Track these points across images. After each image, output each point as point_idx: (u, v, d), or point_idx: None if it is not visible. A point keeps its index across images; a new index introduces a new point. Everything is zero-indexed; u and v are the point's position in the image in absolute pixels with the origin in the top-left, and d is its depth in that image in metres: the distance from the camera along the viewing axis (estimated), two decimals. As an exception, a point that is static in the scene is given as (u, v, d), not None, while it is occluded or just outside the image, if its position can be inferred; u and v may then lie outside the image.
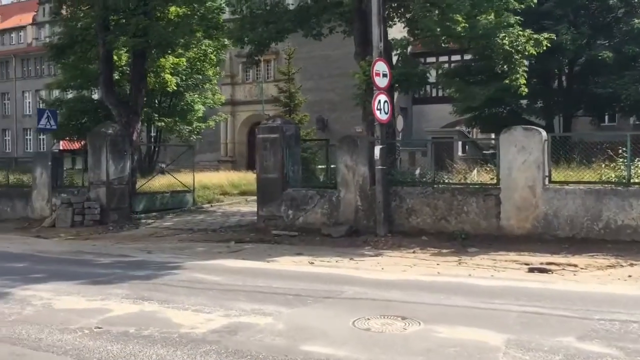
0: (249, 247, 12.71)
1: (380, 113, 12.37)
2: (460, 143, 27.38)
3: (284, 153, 14.17)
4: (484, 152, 24.62)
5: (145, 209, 18.21)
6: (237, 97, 46.04)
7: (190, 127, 30.44)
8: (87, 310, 7.38)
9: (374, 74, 12.37)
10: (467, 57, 36.55)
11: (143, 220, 17.33)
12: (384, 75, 12.58)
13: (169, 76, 22.60)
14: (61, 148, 35.81)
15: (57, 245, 13.91)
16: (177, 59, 22.90)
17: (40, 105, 36.43)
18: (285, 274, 9.64)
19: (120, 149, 17.24)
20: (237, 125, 45.84)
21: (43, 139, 62.62)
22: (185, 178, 20.38)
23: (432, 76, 40.13)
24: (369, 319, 6.52)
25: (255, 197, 22.81)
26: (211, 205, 20.62)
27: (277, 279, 9.04)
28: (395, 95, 44.87)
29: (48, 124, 17.44)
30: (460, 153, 26.83)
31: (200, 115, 29.27)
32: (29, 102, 64.65)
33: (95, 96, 30.38)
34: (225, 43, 24.94)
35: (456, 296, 7.59)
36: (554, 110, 27.78)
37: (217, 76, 30.30)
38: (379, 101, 12.37)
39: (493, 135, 27.10)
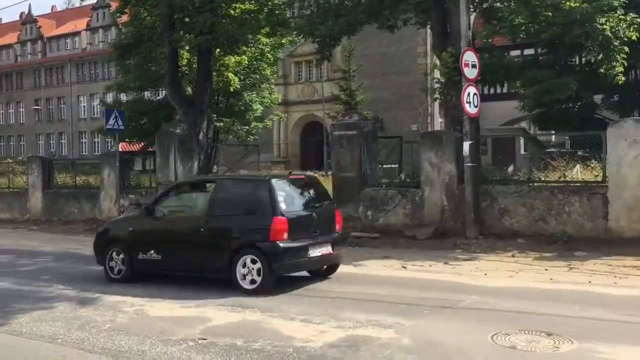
0: (329, 250, 12.05)
1: (470, 106, 11.53)
2: (522, 140, 26.19)
3: (361, 150, 13.46)
4: (547, 149, 23.39)
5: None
6: (290, 97, 45.60)
7: (247, 127, 30.03)
8: (185, 319, 6.84)
9: (463, 65, 11.53)
10: (528, 51, 35.29)
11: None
12: (473, 66, 11.73)
13: (232, 75, 22.22)
14: (119, 150, 36.08)
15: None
16: (239, 58, 22.48)
17: (100, 107, 36.74)
18: (382, 279, 8.92)
19: (188, 148, 16.86)
20: (290, 126, 45.43)
21: (97, 142, 63.96)
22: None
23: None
24: (507, 334, 5.73)
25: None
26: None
27: (377, 286, 8.34)
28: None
29: (116, 124, 17.22)
30: (522, 151, 25.65)
31: (259, 115, 28.82)
32: (84, 106, 66.00)
33: (154, 98, 30.33)
34: (282, 42, 24.43)
35: (593, 307, 6.72)
36: (631, 105, 26.17)
37: (275, 75, 29.82)
38: (469, 93, 11.53)
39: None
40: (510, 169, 12.20)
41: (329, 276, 9.03)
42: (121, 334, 6.31)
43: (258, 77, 28.64)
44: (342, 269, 9.93)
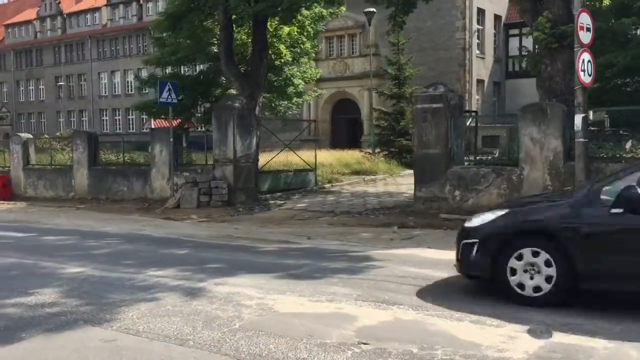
0: (420, 233, 11.02)
1: (584, 75, 10.34)
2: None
3: (448, 125, 12.35)
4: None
5: (271, 189, 16.83)
6: (321, 73, 44.23)
7: (285, 103, 28.93)
8: (325, 317, 5.84)
9: (578, 28, 10.32)
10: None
11: (272, 202, 15.93)
12: (588, 30, 10.51)
13: (283, 47, 21.07)
14: (152, 127, 35.13)
15: (198, 229, 12.61)
16: (289, 28, 21.29)
17: (135, 83, 35.61)
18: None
19: (247, 123, 15.85)
20: (321, 103, 44.20)
21: (118, 119, 63.13)
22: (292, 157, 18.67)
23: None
24: None
25: (373, 177, 21.42)
26: (332, 186, 19.08)
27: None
28: (490, 67, 42.22)
29: (169, 97, 16.20)
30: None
31: (300, 90, 27.68)
32: (105, 83, 65.12)
33: (192, 72, 29.25)
34: (324, 14, 23.26)
35: None
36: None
37: (315, 49, 28.59)
38: (583, 60, 10.34)
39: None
40: (628, 145, 11.06)
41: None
42: (261, 334, 5.31)
43: (298, 51, 27.46)
44: (449, 255, 8.89)
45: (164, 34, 28.12)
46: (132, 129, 60.56)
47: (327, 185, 18.82)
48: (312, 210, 14.48)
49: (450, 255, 8.82)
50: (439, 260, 8.49)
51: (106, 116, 64.80)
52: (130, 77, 63.08)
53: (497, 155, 13.24)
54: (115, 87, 64.46)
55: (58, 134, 39.59)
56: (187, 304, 6.41)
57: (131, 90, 62.74)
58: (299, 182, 17.82)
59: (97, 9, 64.70)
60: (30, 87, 71.41)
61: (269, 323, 5.69)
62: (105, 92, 65.03)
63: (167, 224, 13.62)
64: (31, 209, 17.41)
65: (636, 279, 5.56)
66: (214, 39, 24.90)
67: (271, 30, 19.05)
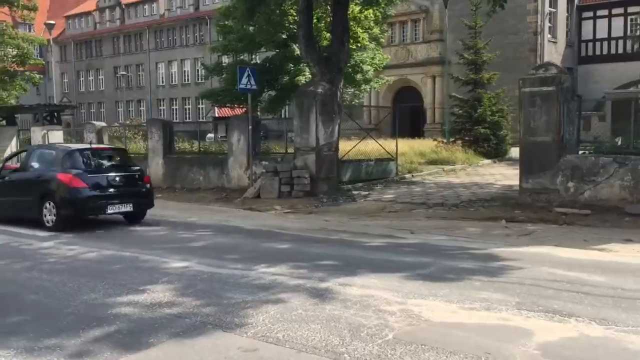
0: (536, 229, 10.03)
1: None
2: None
3: (560, 110, 11.26)
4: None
5: (352, 179, 16.07)
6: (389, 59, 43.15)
7: (352, 90, 28.12)
8: (493, 329, 5.02)
9: None
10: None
11: (355, 192, 15.17)
12: None
13: (360, 30, 20.22)
14: (216, 115, 34.96)
15: (286, 221, 11.96)
16: (367, 11, 20.43)
17: (203, 71, 35.34)
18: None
19: (329, 110, 15.11)
20: (382, 91, 43.10)
21: (175, 109, 63.62)
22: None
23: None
24: None
25: (452, 167, 20.38)
26: (412, 176, 18.17)
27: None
28: (562, 52, 40.21)
29: (249, 83, 15.60)
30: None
31: (369, 77, 26.79)
32: (162, 73, 65.69)
33: (256, 60, 28.74)
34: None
35: None
36: None
37: (385, 33, 27.61)
38: None
39: None
40: None
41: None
42: (426, 349, 4.54)
43: (366, 36, 26.55)
44: (590, 254, 7.95)
45: (229, 22, 27.72)
46: (189, 118, 60.97)
47: (407, 176, 17.92)
48: (401, 202, 13.63)
49: (591, 255, 7.90)
50: (581, 261, 7.55)
51: (163, 106, 65.47)
52: (187, 67, 63.53)
53: (619, 142, 12.04)
54: (172, 77, 64.98)
55: (128, 121, 39.78)
56: (320, 308, 5.70)
57: (188, 80, 63.14)
58: (380, 172, 16.99)
59: (155, -1, 65.20)
60: (90, 78, 72.85)
61: (427, 335, 4.91)
62: (163, 82, 65.64)
63: (252, 215, 13.04)
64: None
65: None
66: (288, 24, 24.27)
67: (350, 13, 18.20)
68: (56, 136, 21.75)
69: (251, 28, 27.24)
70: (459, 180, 17.48)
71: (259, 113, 30.94)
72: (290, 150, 15.58)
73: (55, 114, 22.11)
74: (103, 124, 21.76)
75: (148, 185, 11.94)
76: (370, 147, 17.76)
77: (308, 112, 14.85)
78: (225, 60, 31.01)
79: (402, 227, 10.66)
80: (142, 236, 10.45)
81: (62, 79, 73.38)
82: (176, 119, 60.55)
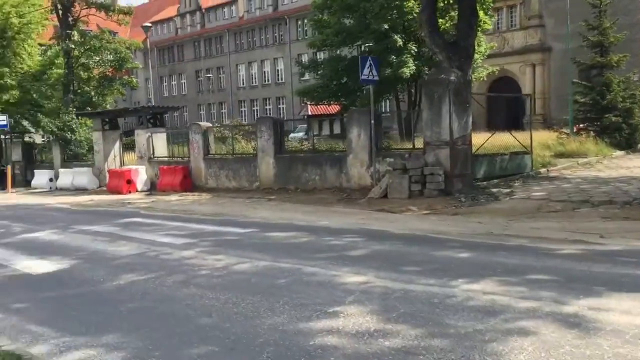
0: None
1: None
2: None
3: None
4: None
5: (486, 175, 14.55)
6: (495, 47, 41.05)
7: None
8: None
9: None
10: None
11: (494, 190, 13.64)
12: None
13: (482, 13, 18.65)
14: (309, 113, 34.16)
15: (432, 223, 10.60)
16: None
17: (298, 69, 34.56)
18: None
19: (463, 99, 13.68)
20: (475, 83, 40.96)
21: (256, 110, 63.55)
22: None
23: None
24: None
25: (585, 160, 18.42)
26: (547, 170, 16.41)
27: None
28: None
29: (370, 74, 14.41)
30: None
31: (476, 66, 25.01)
32: (242, 75, 66.00)
33: (352, 53, 27.53)
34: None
35: None
36: None
37: (493, 19, 25.76)
38: None
39: None
40: None
41: None
42: None
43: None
44: None
45: (323, 16, 26.71)
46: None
47: (542, 170, 16.17)
48: (557, 200, 11.99)
49: None
50: None
51: (244, 107, 65.77)
52: (267, 67, 63.41)
53: None
54: (252, 78, 65.13)
55: (229, 122, 39.65)
56: (593, 344, 4.33)
57: (268, 80, 63.02)
58: (514, 167, 15.36)
59: (234, 1, 65.56)
60: (173, 82, 74.31)
61: None
62: (243, 84, 65.95)
63: (388, 217, 11.78)
64: (220, 200, 16.44)
65: None
66: (390, 15, 23.01)
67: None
68: (160, 139, 21.39)
69: (347, 21, 26.15)
70: (606, 174, 15.61)
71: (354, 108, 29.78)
72: (410, 145, 14.19)
73: (158, 116, 21.74)
74: (208, 124, 21.17)
75: None
76: (497, 139, 16.18)
77: (440, 102, 13.46)
78: (320, 55, 30.01)
79: (582, 230, 9.08)
80: (283, 243, 9.40)
81: (146, 84, 75.16)
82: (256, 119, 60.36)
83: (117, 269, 8.05)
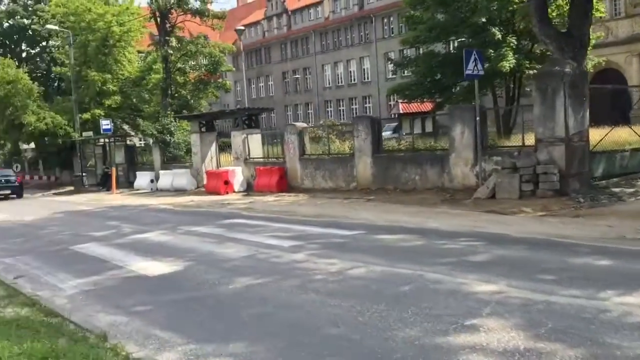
0: None
1: None
2: None
3: None
4: None
5: (605, 174, 13.47)
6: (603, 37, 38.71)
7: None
8: None
9: None
10: None
11: (615, 190, 12.58)
12: None
13: (596, 1, 17.41)
14: (401, 111, 33.57)
15: (556, 227, 9.80)
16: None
17: (390, 67, 34.01)
18: None
19: (579, 93, 12.71)
20: (575, 76, 38.73)
21: (342, 110, 63.41)
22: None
23: None
24: None
25: None
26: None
27: None
28: None
29: (475, 69, 13.74)
30: None
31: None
32: (328, 75, 66.07)
33: (447, 49, 26.66)
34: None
35: None
36: None
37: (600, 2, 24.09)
38: None
39: None
40: None
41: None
42: None
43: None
44: None
45: (415, 12, 26.01)
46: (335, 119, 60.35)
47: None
48: (693, 201, 10.85)
49: None
50: None
51: (331, 107, 65.81)
52: (353, 67, 63.13)
53: None
54: (338, 78, 65.08)
55: (321, 122, 39.72)
56: None
57: (354, 80, 62.73)
58: (636, 165, 14.16)
59: (320, 2, 65.77)
60: (260, 84, 75.59)
61: None
62: (329, 84, 66.00)
63: (500, 219, 11.08)
64: (317, 201, 16.26)
65: None
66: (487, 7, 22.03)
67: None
68: (255, 140, 21.56)
69: (440, 16, 25.34)
70: None
71: (447, 105, 28.90)
72: (516, 142, 13.34)
73: (253, 117, 21.93)
74: (304, 124, 21.14)
75: None
76: (610, 135, 14.96)
77: (553, 96, 12.56)
78: (409, 52, 29.31)
79: None
80: (395, 246, 8.99)
81: (235, 87, 76.96)
82: (343, 120, 60.37)
83: (229, 271, 7.95)
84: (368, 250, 8.65)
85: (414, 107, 32.55)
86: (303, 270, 7.65)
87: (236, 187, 20.72)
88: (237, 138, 21.58)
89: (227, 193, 20.22)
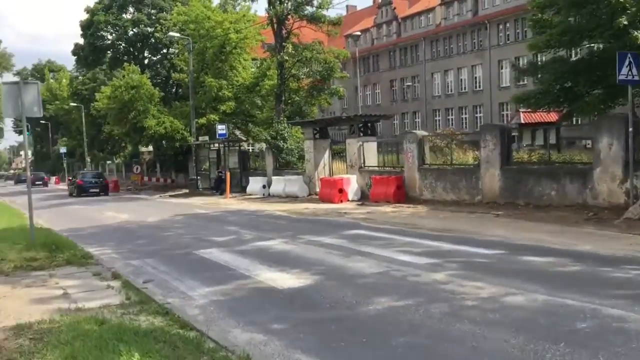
0: None
1: None
2: None
3: None
4: None
5: None
6: None
7: None
8: None
9: None
10: None
11: None
12: None
13: None
14: (522, 121, 31.76)
15: None
16: None
17: (512, 72, 32.33)
18: None
19: None
20: None
21: (451, 119, 61.46)
22: None
23: None
24: None
25: None
26: None
27: None
28: None
29: (630, 73, 12.34)
30: None
31: None
32: (438, 84, 64.46)
33: (580, 54, 24.64)
34: None
35: None
36: None
37: None
38: None
39: None
40: None
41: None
42: None
43: None
44: None
45: (544, 15, 24.28)
46: (466, 128, 58.44)
47: None
48: None
49: None
50: None
51: (439, 116, 64.17)
52: (464, 75, 61.11)
53: None
54: (448, 87, 63.34)
55: (439, 130, 38.71)
56: None
57: (464, 88, 60.69)
58: None
59: (431, 9, 64.41)
60: (367, 92, 75.17)
61: None
62: (438, 92, 64.39)
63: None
64: (440, 214, 15.32)
65: None
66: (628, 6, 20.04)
67: None
68: (370, 148, 20.95)
69: (571, 19, 23.48)
70: None
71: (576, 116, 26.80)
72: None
73: (369, 124, 21.33)
74: (424, 132, 20.26)
75: None
76: None
77: None
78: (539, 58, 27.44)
79: None
80: (549, 271, 7.92)
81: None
82: (452, 128, 58.42)
83: (364, 289, 7.31)
84: (518, 274, 7.68)
85: (537, 116, 30.60)
86: (449, 293, 6.85)
87: (350, 196, 20.18)
88: (352, 145, 21.06)
89: (341, 202, 19.72)
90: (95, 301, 7.05)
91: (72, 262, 9.66)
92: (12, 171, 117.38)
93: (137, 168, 40.04)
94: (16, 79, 51.91)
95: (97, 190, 34.69)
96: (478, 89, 59.55)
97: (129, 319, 6.21)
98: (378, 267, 8.57)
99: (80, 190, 34.30)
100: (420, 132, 19.64)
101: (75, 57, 49.42)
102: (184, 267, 9.59)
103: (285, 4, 28.39)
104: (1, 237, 12.16)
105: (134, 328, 5.68)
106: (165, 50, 44.30)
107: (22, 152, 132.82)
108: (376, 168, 20.63)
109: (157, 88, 36.98)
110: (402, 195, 18.38)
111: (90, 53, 45.72)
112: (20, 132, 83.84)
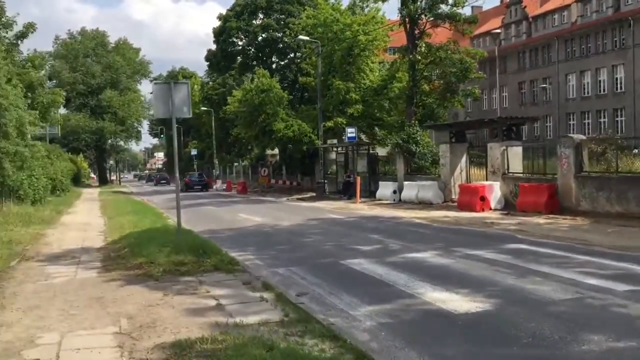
0: None
1: None
2: None
3: None
4: None
5: None
6: None
7: None
8: None
9: None
10: None
11: None
12: None
13: None
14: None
15: None
16: None
17: (623, 79, 29.16)
18: None
19: None
20: None
21: (587, 123, 56.89)
22: None
23: None
24: None
25: None
26: None
27: None
28: None
29: None
30: None
31: None
32: (572, 85, 60.01)
33: None
34: None
35: None
36: None
37: None
38: None
39: None
40: None
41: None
42: None
43: None
44: None
45: None
46: (604, 133, 53.72)
47: None
48: None
49: None
50: None
51: (573, 120, 59.72)
52: (603, 76, 56.37)
53: None
54: (584, 88, 58.77)
55: (596, 135, 35.99)
56: None
57: (604, 90, 56.00)
58: None
59: (566, 6, 60.11)
60: (493, 95, 71.77)
61: None
62: (573, 95, 59.92)
63: None
64: (606, 228, 13.52)
65: None
66: None
67: None
68: (515, 153, 19.28)
69: None
70: None
71: None
72: None
73: (514, 128, 19.66)
74: (582, 136, 18.27)
75: None
76: None
77: None
78: None
79: None
80: None
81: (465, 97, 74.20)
82: (588, 134, 54.11)
83: (562, 320, 6.10)
84: None
85: None
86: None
87: (493, 204, 18.65)
88: (494, 150, 19.50)
89: (483, 210, 18.25)
90: (252, 316, 6.44)
91: (220, 268, 9.25)
92: (146, 171, 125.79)
93: (264, 170, 40.65)
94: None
95: (200, 187, 45.15)
96: (619, 91, 54.70)
97: (294, 341, 5.50)
98: (565, 293, 7.28)
99: (187, 187, 43.60)
100: (578, 136, 17.66)
101: (208, 62, 51.38)
102: (335, 279, 8.83)
103: (419, 3, 27.27)
104: (149, 237, 12.15)
105: (305, 356, 4.93)
106: (292, 55, 44.72)
107: (155, 154, 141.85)
108: (522, 175, 18.91)
109: (285, 92, 37.24)
110: (555, 205, 16.59)
111: (221, 59, 47.29)
112: (155, 135, 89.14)
